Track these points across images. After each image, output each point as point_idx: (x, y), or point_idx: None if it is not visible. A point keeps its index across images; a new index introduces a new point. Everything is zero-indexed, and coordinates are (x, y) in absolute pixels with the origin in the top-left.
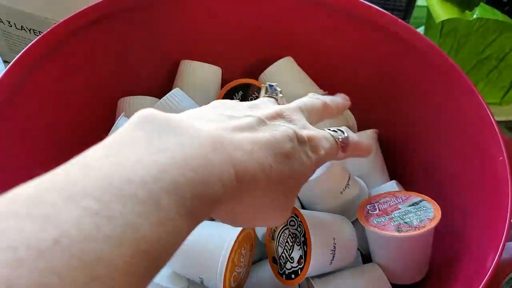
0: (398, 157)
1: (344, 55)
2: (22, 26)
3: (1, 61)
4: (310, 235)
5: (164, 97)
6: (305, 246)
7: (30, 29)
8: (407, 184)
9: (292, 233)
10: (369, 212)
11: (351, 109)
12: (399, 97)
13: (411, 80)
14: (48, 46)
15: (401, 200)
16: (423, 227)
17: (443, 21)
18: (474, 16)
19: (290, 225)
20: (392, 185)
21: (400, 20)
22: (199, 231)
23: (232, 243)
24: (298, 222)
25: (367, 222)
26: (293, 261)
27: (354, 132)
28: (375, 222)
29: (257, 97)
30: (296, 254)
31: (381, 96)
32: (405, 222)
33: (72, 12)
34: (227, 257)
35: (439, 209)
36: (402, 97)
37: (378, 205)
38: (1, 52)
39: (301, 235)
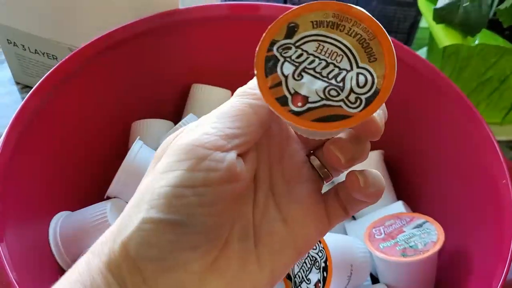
0: (404, 177)
1: None
2: (36, 50)
3: (14, 82)
4: (332, 265)
5: (180, 122)
6: (324, 272)
7: (44, 52)
8: (414, 204)
9: (312, 256)
10: (375, 236)
11: None
12: (404, 120)
13: (415, 102)
14: (66, 73)
15: (405, 222)
16: (427, 251)
17: (444, 46)
18: (476, 42)
19: None
20: (399, 206)
21: (403, 45)
22: None
23: None
24: (320, 247)
25: (373, 247)
26: (310, 283)
27: None
28: (381, 247)
29: None
30: (314, 276)
31: (388, 118)
32: (410, 246)
33: (84, 37)
34: None
35: (443, 231)
36: (407, 120)
37: (383, 228)
38: (14, 73)
39: (322, 260)
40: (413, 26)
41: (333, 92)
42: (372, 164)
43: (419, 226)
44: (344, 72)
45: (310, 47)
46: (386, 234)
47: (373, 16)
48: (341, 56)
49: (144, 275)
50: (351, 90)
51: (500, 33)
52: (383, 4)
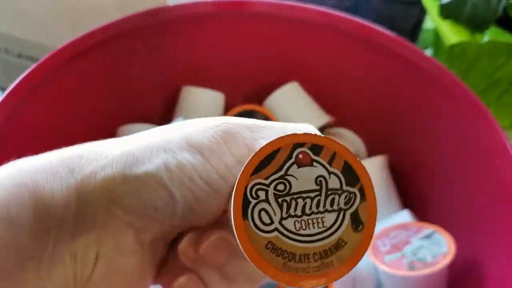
0: (410, 183)
1: (351, 79)
2: (19, 54)
3: None
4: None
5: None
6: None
7: (28, 56)
8: (421, 212)
9: None
10: (380, 248)
11: (359, 135)
12: (410, 122)
13: (422, 104)
14: (43, 76)
15: (412, 232)
16: (437, 263)
17: (451, 45)
18: (485, 39)
19: None
20: (405, 215)
21: (409, 43)
22: None
23: None
24: None
25: (378, 260)
26: None
27: (362, 157)
28: (386, 260)
29: None
30: None
31: (391, 121)
32: (418, 259)
33: (70, 38)
34: None
35: (453, 242)
36: (414, 122)
37: (388, 240)
38: None
39: None
40: (416, 26)
41: None
42: (374, 171)
43: (428, 236)
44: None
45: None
46: (392, 245)
47: (374, 16)
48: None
49: None
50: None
51: (510, 30)
52: (385, 3)
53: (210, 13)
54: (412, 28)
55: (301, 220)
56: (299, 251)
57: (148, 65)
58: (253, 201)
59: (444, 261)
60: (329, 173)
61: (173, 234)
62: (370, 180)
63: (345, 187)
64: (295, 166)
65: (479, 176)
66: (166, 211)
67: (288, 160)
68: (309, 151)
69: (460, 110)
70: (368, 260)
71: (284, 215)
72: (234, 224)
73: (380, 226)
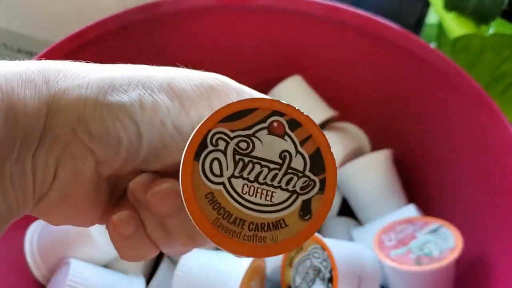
0: (416, 178)
1: (355, 73)
2: (19, 49)
3: None
4: (338, 275)
5: None
6: (330, 284)
7: (27, 51)
8: (427, 207)
9: (315, 266)
10: (385, 243)
11: (363, 129)
12: (415, 116)
13: (427, 98)
14: None
15: (418, 227)
16: (444, 258)
17: (455, 38)
18: (490, 31)
19: (313, 256)
20: (411, 210)
21: (415, 36)
22: (205, 262)
23: (242, 276)
24: (324, 256)
25: (384, 255)
26: None
27: (367, 152)
28: (392, 255)
29: None
30: None
31: (395, 114)
32: (425, 254)
33: (70, 33)
34: None
35: (460, 236)
36: (419, 116)
37: (394, 234)
38: None
39: (327, 270)
40: (419, 21)
41: None
42: (379, 165)
43: (434, 231)
44: None
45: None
46: (398, 240)
47: (377, 11)
48: None
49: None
50: None
51: None
52: None
53: (212, 6)
54: (415, 23)
55: (250, 186)
56: (236, 214)
57: (147, 60)
58: (210, 147)
59: (452, 256)
60: (297, 152)
61: (132, 175)
62: (335, 176)
63: (307, 172)
64: (265, 131)
65: (485, 170)
66: (130, 148)
67: (261, 123)
68: (285, 123)
69: (466, 104)
70: (373, 255)
71: (236, 173)
72: (183, 160)
73: (386, 220)
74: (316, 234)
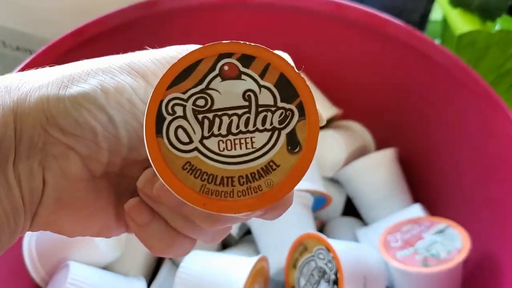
0: (421, 177)
1: (360, 70)
2: (17, 47)
3: None
4: (343, 278)
5: None
6: (335, 286)
7: (26, 49)
8: (433, 206)
9: (320, 267)
10: (391, 244)
11: (368, 127)
12: (420, 114)
13: (433, 95)
14: (42, 65)
15: (424, 227)
16: (452, 259)
17: (460, 35)
18: (496, 27)
19: (318, 257)
20: (417, 210)
21: (419, 33)
22: (208, 263)
23: (245, 278)
24: (329, 258)
25: (390, 257)
26: None
27: (371, 151)
28: (398, 256)
29: None
30: None
31: (400, 112)
32: (432, 255)
33: (69, 31)
34: None
35: (467, 237)
36: (424, 114)
37: (400, 235)
38: None
39: (332, 272)
40: (424, 17)
41: None
42: (384, 163)
43: (441, 231)
44: None
45: None
46: (404, 241)
47: (381, 7)
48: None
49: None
50: None
51: None
52: None
53: (214, 3)
54: (419, 19)
55: (226, 140)
56: (221, 173)
57: None
58: (169, 117)
59: (459, 257)
60: (260, 87)
61: (136, 171)
62: (310, 94)
63: (280, 103)
64: (218, 79)
65: (492, 169)
66: (108, 136)
67: (211, 73)
68: (237, 62)
69: (472, 101)
70: (379, 255)
71: (206, 133)
72: (146, 140)
73: (391, 220)
74: (321, 235)
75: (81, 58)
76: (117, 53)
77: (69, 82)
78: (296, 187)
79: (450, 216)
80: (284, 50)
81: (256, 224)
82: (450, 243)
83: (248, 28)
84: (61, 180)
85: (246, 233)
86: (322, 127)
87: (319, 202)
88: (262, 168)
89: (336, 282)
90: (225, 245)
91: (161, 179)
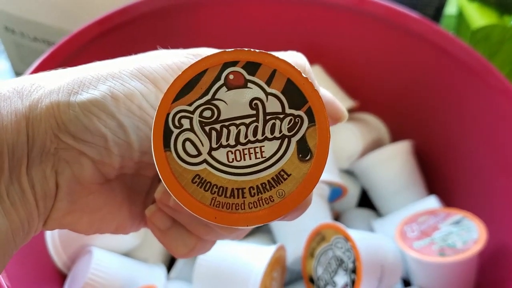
0: (436, 170)
1: (376, 62)
2: (35, 37)
3: (13, 72)
4: (361, 266)
5: None
6: (353, 274)
7: (43, 39)
8: (449, 198)
9: (338, 256)
10: (408, 234)
11: (383, 120)
12: (437, 107)
13: (449, 88)
14: (60, 60)
15: (440, 218)
16: (468, 249)
17: (474, 30)
18: None
19: (336, 246)
20: (432, 201)
21: (435, 25)
22: (226, 252)
23: (265, 266)
24: (348, 247)
25: (407, 246)
26: (336, 286)
27: (386, 143)
28: (415, 246)
29: None
30: (341, 279)
31: (415, 105)
32: (448, 245)
33: (86, 21)
34: (259, 281)
35: (484, 228)
36: (440, 107)
37: (416, 225)
38: (13, 63)
39: (350, 261)
40: (438, 12)
41: None
42: (399, 156)
43: (457, 222)
44: None
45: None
46: (420, 231)
47: (394, 1)
48: None
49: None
50: None
51: None
52: None
53: None
54: (434, 13)
55: (235, 151)
56: (232, 185)
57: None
58: (176, 131)
59: (476, 247)
60: (267, 94)
61: (147, 169)
62: (319, 99)
63: (288, 110)
64: (224, 88)
65: (507, 161)
66: (119, 141)
67: (216, 82)
68: (242, 71)
69: (488, 93)
70: (395, 245)
71: (214, 145)
72: (155, 156)
73: (407, 212)
74: (340, 225)
75: (106, 47)
76: (140, 44)
77: (80, 88)
78: None
79: (466, 208)
80: (300, 42)
81: None
82: (467, 234)
83: (266, 20)
84: (74, 184)
85: None
86: None
87: (335, 193)
88: (273, 178)
89: (354, 270)
90: None
91: (171, 194)
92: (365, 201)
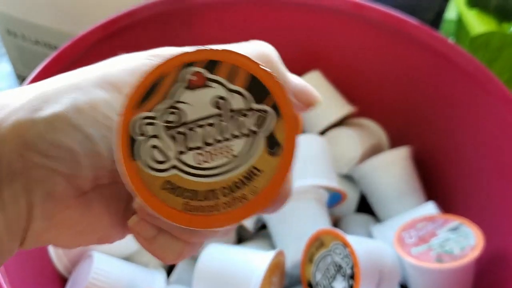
0: (434, 176)
1: (375, 68)
2: (37, 40)
3: (15, 75)
4: (360, 272)
5: None
6: (351, 280)
7: (45, 42)
8: (447, 205)
9: (337, 262)
10: (406, 240)
11: (382, 125)
12: (435, 113)
13: (448, 94)
14: (64, 63)
15: (438, 224)
16: (466, 256)
17: (473, 36)
18: (511, 29)
19: (334, 252)
20: (430, 207)
21: (434, 31)
22: (226, 257)
23: (264, 271)
24: (346, 253)
25: (404, 253)
26: None
27: (385, 149)
28: (413, 252)
29: None
30: (339, 285)
31: (414, 111)
32: (446, 251)
33: (88, 24)
34: (259, 286)
35: (481, 234)
36: (439, 113)
37: (414, 232)
38: (15, 66)
39: (348, 267)
40: (438, 17)
41: None
42: (398, 162)
43: (454, 229)
44: None
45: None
46: (418, 238)
47: (395, 5)
48: None
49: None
50: None
51: None
52: None
53: (234, 0)
54: (433, 18)
55: (203, 152)
56: (203, 187)
57: None
58: (140, 138)
59: (473, 254)
60: (230, 91)
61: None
62: (284, 93)
63: (253, 106)
64: (185, 90)
65: (505, 168)
66: (88, 154)
67: (176, 84)
68: (202, 70)
69: (486, 99)
70: (393, 251)
71: (182, 149)
72: (121, 167)
73: (405, 218)
74: (338, 231)
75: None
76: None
77: (43, 103)
78: (313, 183)
79: (465, 213)
80: (300, 47)
81: (273, 219)
82: (464, 240)
83: (266, 25)
84: (48, 201)
85: (261, 227)
86: (337, 125)
87: (334, 198)
88: (244, 176)
89: (352, 276)
90: (241, 239)
91: (142, 202)
92: (364, 206)
